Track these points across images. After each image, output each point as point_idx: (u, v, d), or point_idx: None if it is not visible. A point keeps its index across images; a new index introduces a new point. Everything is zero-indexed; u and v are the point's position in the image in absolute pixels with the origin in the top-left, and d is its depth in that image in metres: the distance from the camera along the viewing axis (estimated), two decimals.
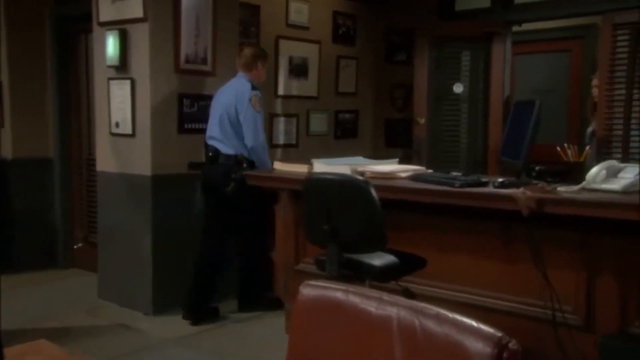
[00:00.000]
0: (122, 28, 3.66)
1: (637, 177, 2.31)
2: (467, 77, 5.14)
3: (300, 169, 3.09)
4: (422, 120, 5.00)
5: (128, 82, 3.67)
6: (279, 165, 3.29)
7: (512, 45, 5.12)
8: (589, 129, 4.41)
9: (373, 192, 2.21)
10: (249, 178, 3.21)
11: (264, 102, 3.59)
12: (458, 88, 5.08)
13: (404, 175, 2.79)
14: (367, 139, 5.52)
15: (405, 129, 5.25)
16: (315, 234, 2.45)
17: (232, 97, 3.46)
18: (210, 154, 3.51)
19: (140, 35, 3.59)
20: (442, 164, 4.91)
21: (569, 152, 2.81)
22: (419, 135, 5.03)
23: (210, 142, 3.53)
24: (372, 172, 2.79)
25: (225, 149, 3.47)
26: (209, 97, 3.76)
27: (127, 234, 3.78)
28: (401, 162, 3.18)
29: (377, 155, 5.00)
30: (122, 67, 3.68)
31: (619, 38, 4.65)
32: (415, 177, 2.73)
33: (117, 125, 3.79)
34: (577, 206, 2.20)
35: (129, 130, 3.71)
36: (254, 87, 3.48)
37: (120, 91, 3.72)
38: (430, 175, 2.75)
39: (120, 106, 3.74)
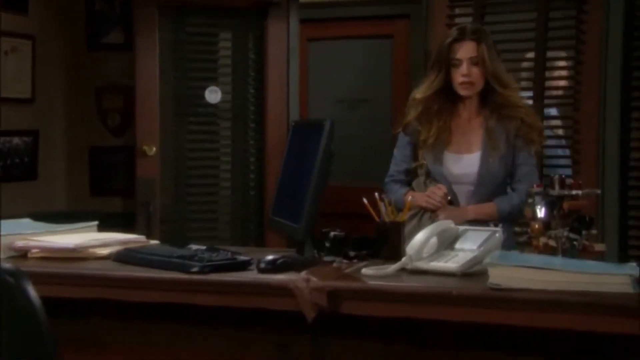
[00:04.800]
0: None
1: (482, 248, 2.41)
2: (228, 75, 5.20)
3: None
4: (153, 150, 4.97)
5: None
6: None
7: (300, 26, 5.28)
8: None
9: (29, 291, 2.01)
10: None
11: None
12: (213, 95, 5.10)
13: (104, 252, 2.74)
14: (57, 183, 5.36)
15: (125, 165, 5.19)
16: None
17: None
18: None
19: None
20: (185, 227, 4.90)
21: (382, 205, 2.86)
22: (148, 176, 4.99)
23: None
24: (44, 249, 2.69)
25: None
26: None
27: None
28: (105, 226, 3.11)
29: (74, 211, 4.79)
30: None
31: (458, 20, 5.06)
32: (124, 256, 2.67)
33: None
34: (391, 301, 2.25)
35: None
36: None
37: None
38: (152, 251, 2.70)
39: None
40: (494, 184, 3.31)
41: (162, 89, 5.00)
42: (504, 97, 3.29)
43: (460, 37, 3.27)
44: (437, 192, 3.23)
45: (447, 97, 3.32)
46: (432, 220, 3.12)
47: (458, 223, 2.77)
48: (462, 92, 3.28)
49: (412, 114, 3.37)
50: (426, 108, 3.32)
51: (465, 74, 3.23)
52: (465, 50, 3.24)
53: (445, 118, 3.33)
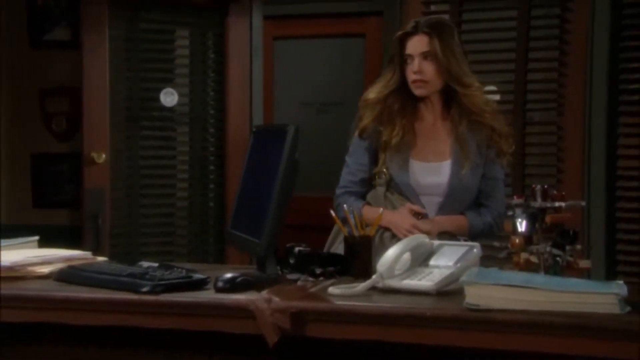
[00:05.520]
0: None
1: (458, 264, 2.41)
2: (185, 77, 5.18)
3: None
4: (102, 157, 4.96)
5: None
6: None
7: (264, 24, 5.28)
8: None
9: None
10: None
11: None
12: (169, 97, 5.08)
13: (45, 270, 2.71)
14: None
15: (71, 174, 5.17)
16: None
17: None
18: None
19: None
20: (137, 242, 4.92)
21: (351, 217, 2.85)
22: (96, 185, 4.98)
23: None
24: None
25: None
26: None
27: None
28: (49, 241, 3.08)
29: (15, 225, 4.78)
30: None
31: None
32: (66, 275, 2.65)
33: None
34: (361, 323, 2.22)
35: None
36: None
37: None
38: (99, 269, 2.67)
39: None
40: (464, 196, 3.24)
41: (112, 90, 5.00)
42: (468, 99, 3.18)
43: (413, 31, 3.16)
44: (421, 227, 3.04)
45: (407, 97, 3.21)
46: (397, 238, 3.02)
47: (432, 237, 2.75)
48: (416, 91, 3.17)
49: (368, 116, 3.26)
50: (386, 107, 3.22)
51: (416, 71, 3.12)
52: (416, 45, 3.13)
53: (409, 118, 3.23)
